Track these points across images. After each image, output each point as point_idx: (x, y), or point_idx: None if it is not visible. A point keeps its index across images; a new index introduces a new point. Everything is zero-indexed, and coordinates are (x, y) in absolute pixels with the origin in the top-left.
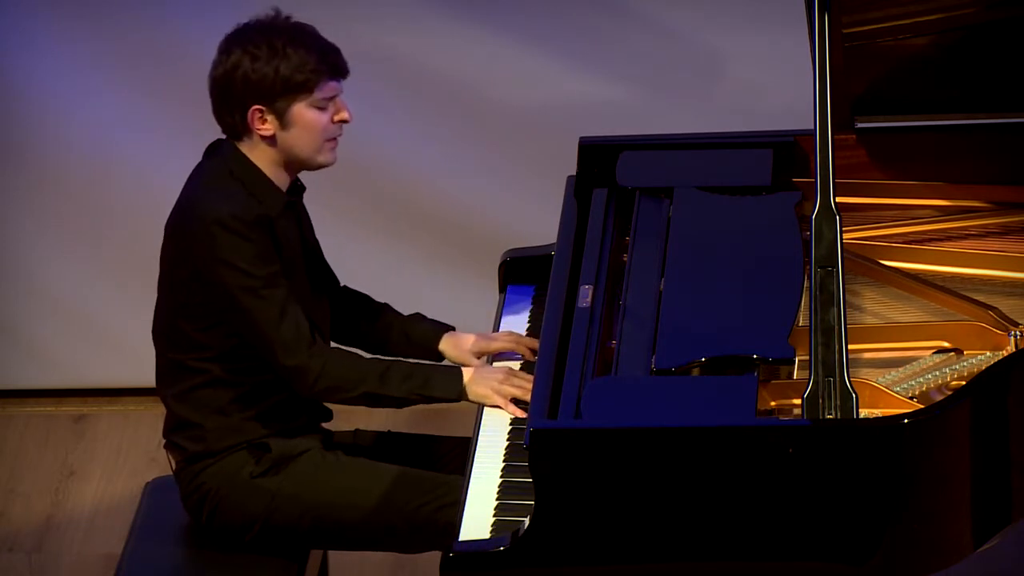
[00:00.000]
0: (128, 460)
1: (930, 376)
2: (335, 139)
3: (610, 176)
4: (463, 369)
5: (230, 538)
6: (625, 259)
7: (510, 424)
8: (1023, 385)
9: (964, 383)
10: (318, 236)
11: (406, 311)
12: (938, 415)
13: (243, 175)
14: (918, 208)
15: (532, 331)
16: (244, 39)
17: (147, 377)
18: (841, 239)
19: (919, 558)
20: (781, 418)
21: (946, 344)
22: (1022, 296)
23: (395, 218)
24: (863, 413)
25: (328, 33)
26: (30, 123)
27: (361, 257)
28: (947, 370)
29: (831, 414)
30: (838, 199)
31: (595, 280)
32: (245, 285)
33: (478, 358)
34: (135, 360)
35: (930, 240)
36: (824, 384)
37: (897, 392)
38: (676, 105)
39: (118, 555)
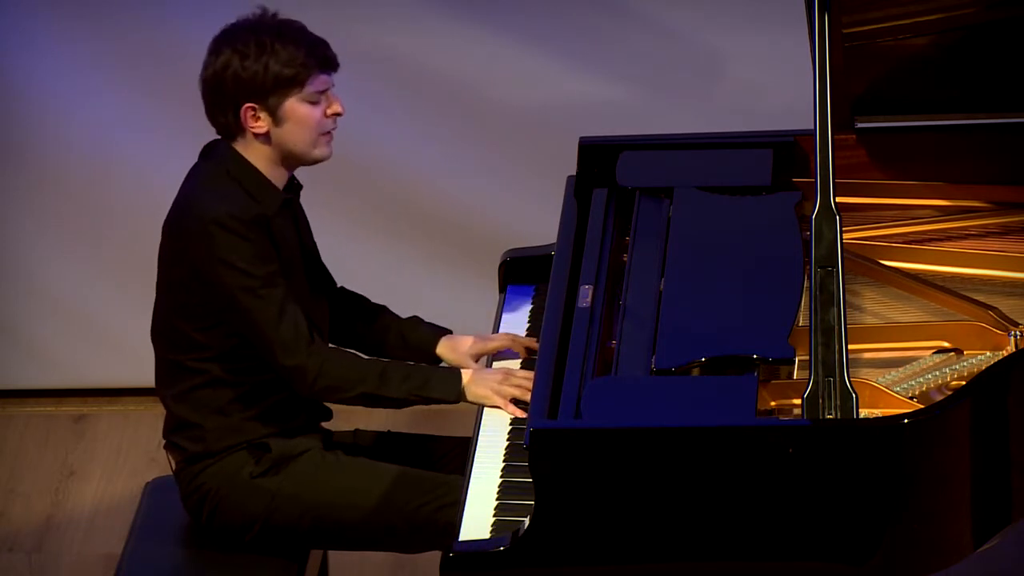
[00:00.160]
0: (128, 460)
1: (930, 376)
2: (330, 133)
3: (610, 176)
4: (462, 370)
5: (230, 538)
6: (625, 259)
7: (510, 424)
8: (1023, 385)
9: (964, 383)
10: (318, 236)
11: (406, 311)
12: (938, 415)
13: (239, 174)
14: (918, 208)
15: (532, 331)
16: (232, 38)
17: (147, 377)
18: (841, 239)
19: (919, 558)
20: (781, 418)
21: (946, 344)
22: (1022, 296)
23: (395, 218)
24: (863, 413)
25: (328, 33)
26: (30, 123)
27: (361, 257)
28: (947, 370)
29: (831, 414)
30: (838, 199)
31: (595, 280)
32: (244, 285)
33: (475, 360)
34: (135, 360)
35: (930, 240)
36: (824, 384)
37: (897, 392)
38: (676, 105)
39: (118, 555)
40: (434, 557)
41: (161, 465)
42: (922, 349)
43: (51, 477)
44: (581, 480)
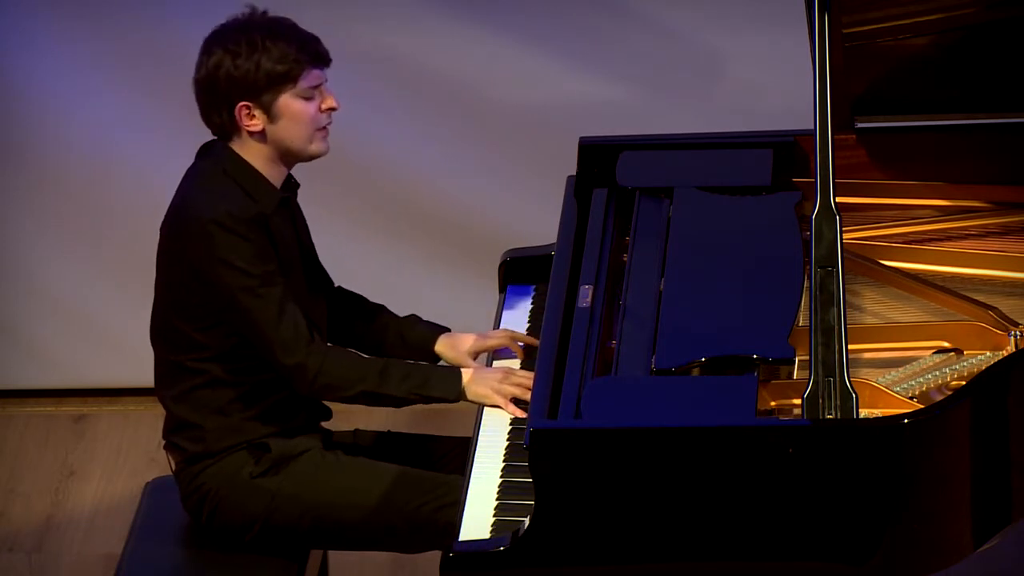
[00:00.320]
0: (128, 460)
1: (930, 376)
2: (325, 128)
3: (610, 176)
4: (462, 370)
5: (230, 538)
6: (625, 259)
7: (510, 424)
8: (1023, 385)
9: (964, 383)
10: (317, 235)
11: (407, 311)
12: (938, 415)
13: (237, 174)
14: (918, 208)
15: (532, 331)
16: (223, 38)
17: (147, 377)
18: (841, 239)
19: (919, 558)
20: (781, 418)
21: (946, 344)
22: (1022, 296)
23: (395, 218)
24: (863, 413)
25: (328, 33)
26: (30, 123)
27: (361, 257)
28: (947, 370)
29: (831, 414)
30: (838, 199)
31: (595, 280)
32: (243, 284)
33: (474, 358)
34: (135, 360)
35: (930, 240)
36: (824, 384)
37: (897, 392)
38: (676, 105)
39: (118, 555)
40: (434, 557)
41: (161, 465)
42: (922, 349)
43: (51, 477)
44: (581, 480)
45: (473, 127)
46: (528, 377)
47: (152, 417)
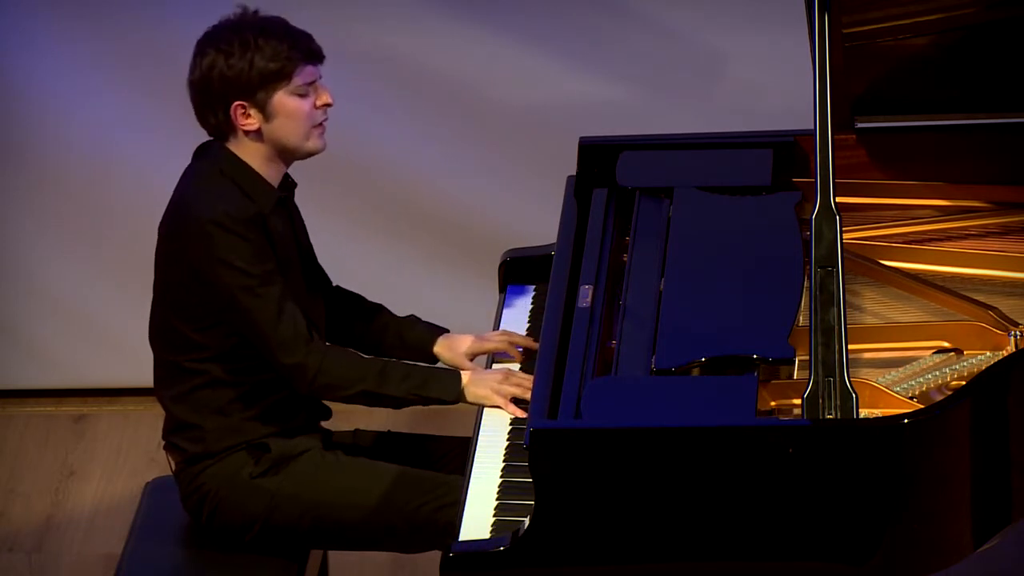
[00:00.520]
0: (128, 460)
1: (930, 376)
2: (322, 124)
3: (610, 176)
4: (462, 371)
5: (230, 538)
6: (625, 259)
7: (510, 424)
8: (1023, 385)
9: (964, 383)
10: (318, 236)
11: (406, 311)
12: (938, 415)
13: (234, 174)
14: (918, 208)
15: (532, 331)
16: (215, 39)
17: (147, 377)
18: (841, 239)
19: (919, 558)
20: (781, 418)
21: (946, 344)
22: (1022, 296)
23: (395, 218)
24: (863, 413)
25: (328, 33)
26: (30, 123)
27: (361, 257)
28: (947, 370)
29: (831, 414)
30: (838, 199)
31: (595, 280)
32: (242, 284)
33: (471, 360)
34: (135, 360)
35: (930, 240)
36: (824, 384)
37: (897, 392)
38: (676, 105)
39: (118, 555)
40: (434, 557)
41: (161, 465)
42: (922, 349)
43: (51, 477)
44: (581, 480)
45: (473, 127)
46: (528, 378)
47: (152, 417)
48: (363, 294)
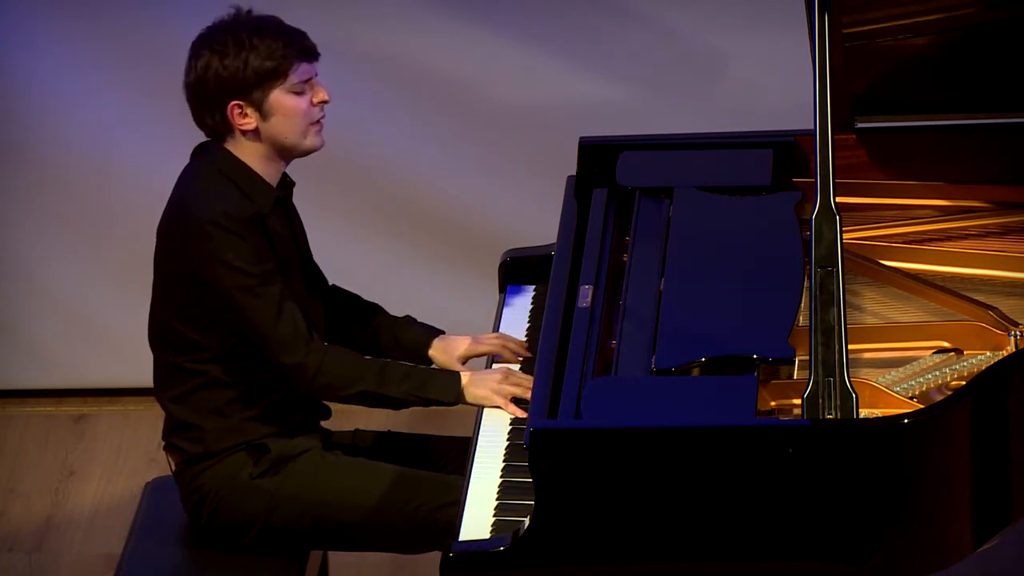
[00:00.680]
0: (128, 460)
1: (930, 376)
2: (319, 122)
3: (610, 176)
4: (461, 372)
5: (230, 539)
6: (625, 259)
7: (510, 424)
8: (1023, 385)
9: (964, 383)
10: (318, 236)
11: (406, 311)
12: (938, 415)
13: (232, 174)
14: (918, 208)
15: (532, 331)
16: (209, 40)
17: (147, 377)
18: (841, 239)
19: (919, 558)
20: (781, 418)
21: (946, 344)
22: (1022, 296)
23: (395, 218)
24: (863, 413)
25: (328, 33)
26: (30, 123)
27: (361, 257)
28: (947, 370)
29: (831, 414)
30: (838, 199)
31: (595, 280)
32: (241, 284)
33: (464, 363)
34: (135, 360)
35: (930, 240)
36: (824, 384)
37: (897, 392)
38: (676, 105)
39: (118, 555)
40: (434, 557)
41: (161, 465)
42: (922, 349)
43: (51, 477)
44: (581, 480)
45: (473, 127)
46: (528, 378)
47: (152, 417)
48: (363, 294)
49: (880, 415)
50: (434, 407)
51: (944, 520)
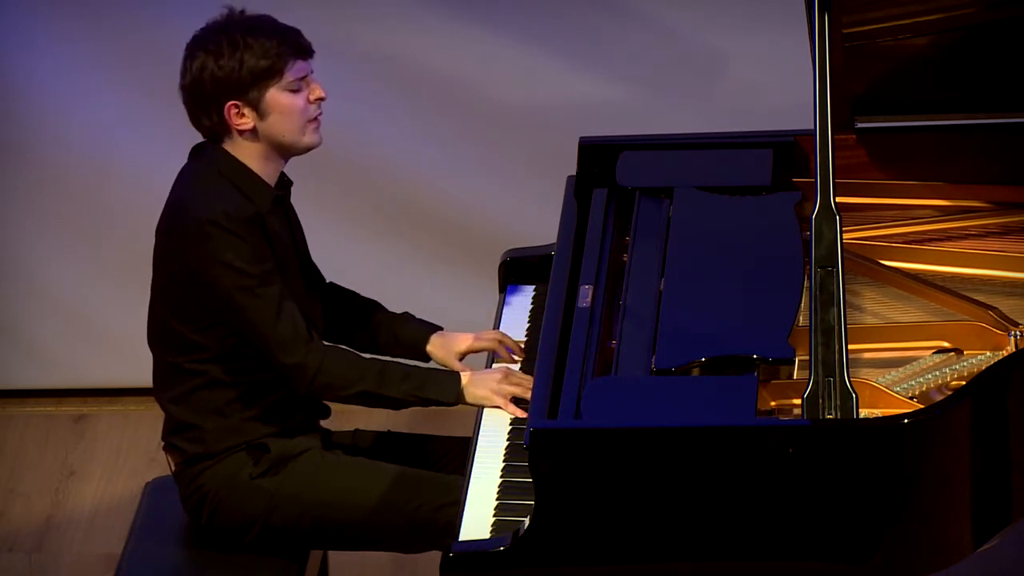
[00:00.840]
0: (128, 460)
1: (930, 376)
2: (316, 119)
3: (610, 176)
4: (461, 372)
5: (230, 539)
6: (625, 259)
7: (510, 424)
8: (1023, 385)
9: (964, 383)
10: (318, 236)
11: (406, 311)
12: (938, 415)
13: (231, 174)
14: (918, 208)
15: (532, 331)
16: (203, 41)
17: (147, 377)
18: (841, 239)
19: (919, 558)
20: (781, 418)
21: (946, 344)
22: (1022, 296)
23: (395, 218)
24: (863, 413)
25: (328, 33)
26: (30, 123)
27: (361, 257)
28: (947, 370)
29: (831, 414)
30: (838, 199)
31: (595, 280)
32: (241, 284)
33: (461, 359)
34: (135, 360)
35: (930, 240)
36: (824, 384)
37: (897, 392)
38: (676, 105)
39: (118, 555)
40: (434, 557)
41: (161, 465)
42: (922, 349)
43: (51, 477)
44: (581, 480)
45: (473, 127)
46: (528, 377)
47: (152, 417)
48: (363, 294)
49: (880, 415)
50: (434, 407)
51: (944, 520)
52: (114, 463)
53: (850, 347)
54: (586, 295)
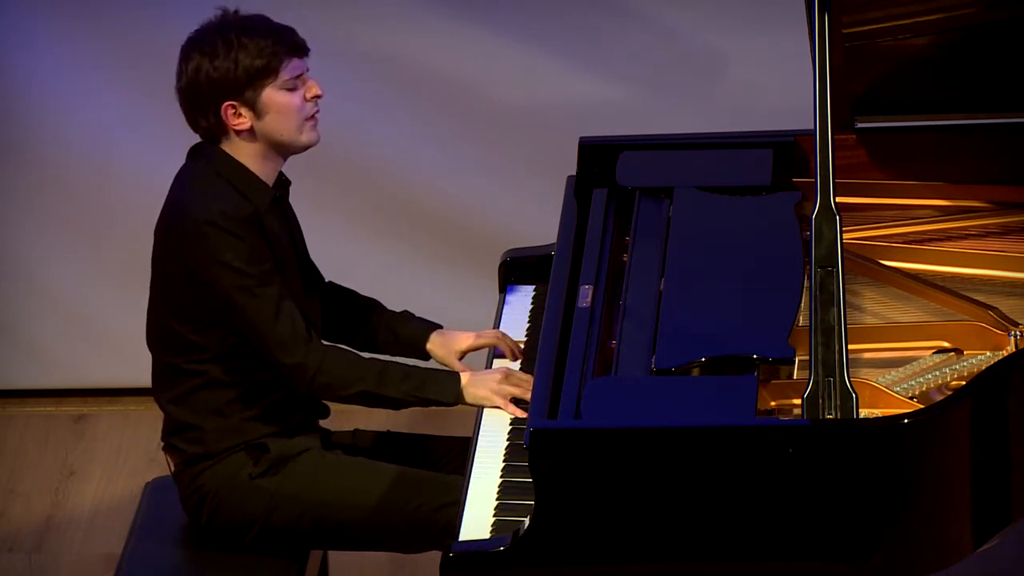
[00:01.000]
0: (128, 460)
1: (930, 376)
2: (314, 117)
3: (610, 176)
4: (461, 373)
5: (230, 539)
6: (625, 259)
7: (510, 424)
8: (1023, 385)
9: (964, 383)
10: (318, 236)
11: (405, 310)
12: (938, 415)
13: (229, 174)
14: (918, 208)
15: (532, 331)
16: (198, 43)
17: (147, 377)
18: (841, 239)
19: (919, 558)
20: (781, 418)
21: (946, 344)
22: (1022, 296)
23: (395, 218)
24: (863, 413)
25: (328, 33)
26: (30, 123)
27: (361, 257)
28: (947, 370)
29: (831, 414)
30: (838, 199)
31: (595, 280)
32: (240, 284)
33: (461, 357)
34: (135, 360)
35: (930, 240)
36: (824, 384)
37: (897, 392)
38: (676, 105)
39: (118, 555)
40: (434, 557)
41: (161, 465)
42: (922, 349)
43: (51, 477)
44: (581, 480)
45: (473, 127)
46: (528, 378)
47: (152, 417)
48: (363, 294)
49: (880, 415)
50: (434, 407)
51: (944, 520)
52: (114, 463)
53: (850, 347)
54: (586, 295)
